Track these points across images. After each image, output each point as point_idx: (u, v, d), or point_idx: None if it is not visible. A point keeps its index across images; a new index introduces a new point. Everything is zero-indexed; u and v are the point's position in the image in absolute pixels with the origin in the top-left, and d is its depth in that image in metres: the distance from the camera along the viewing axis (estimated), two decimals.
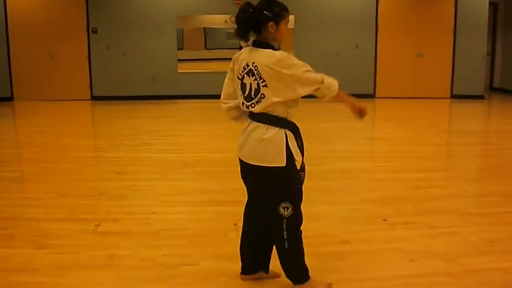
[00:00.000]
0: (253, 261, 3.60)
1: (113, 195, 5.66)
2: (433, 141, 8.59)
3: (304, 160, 3.38)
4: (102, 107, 13.24)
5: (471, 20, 13.87)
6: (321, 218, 4.86)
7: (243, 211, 3.58)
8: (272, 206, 3.27)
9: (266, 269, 3.62)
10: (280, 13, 3.21)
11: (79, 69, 14.00)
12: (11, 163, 7.53)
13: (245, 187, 3.56)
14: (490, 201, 5.44)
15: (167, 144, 8.19)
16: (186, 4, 13.57)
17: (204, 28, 14.15)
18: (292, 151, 3.26)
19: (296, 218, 3.32)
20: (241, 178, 3.53)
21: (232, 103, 3.43)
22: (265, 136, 3.18)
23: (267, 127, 3.19)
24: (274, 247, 3.47)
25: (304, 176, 3.47)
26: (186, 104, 13.06)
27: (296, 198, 3.33)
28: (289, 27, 3.37)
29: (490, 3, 13.99)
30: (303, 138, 3.34)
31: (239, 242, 3.60)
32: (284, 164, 3.20)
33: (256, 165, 3.24)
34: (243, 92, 3.23)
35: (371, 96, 14.06)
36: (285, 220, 3.26)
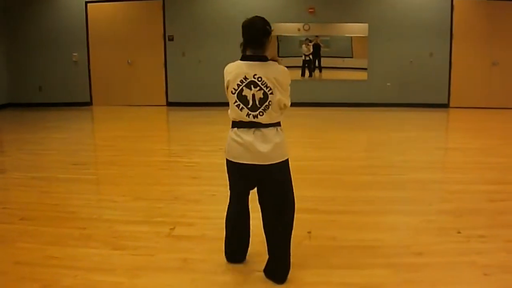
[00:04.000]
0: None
1: (188, 200, 5.75)
2: (508, 152, 8.33)
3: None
4: (177, 113, 13.47)
5: None
6: (394, 229, 4.82)
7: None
8: (284, 195, 3.67)
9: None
10: (271, 30, 3.63)
11: (156, 75, 14.28)
12: (88, 166, 7.74)
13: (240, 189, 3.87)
14: None
15: None
16: (260, 12, 13.51)
17: (277, 36, 14.18)
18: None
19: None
20: (244, 184, 3.81)
21: None
22: (279, 139, 3.58)
23: (277, 129, 3.59)
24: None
25: None
26: None
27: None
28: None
29: None
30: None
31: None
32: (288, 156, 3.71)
33: (272, 163, 3.56)
34: (245, 103, 3.50)
35: (445, 106, 13.76)
36: (291, 207, 3.69)
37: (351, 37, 14.15)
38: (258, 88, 3.47)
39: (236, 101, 3.53)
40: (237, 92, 3.52)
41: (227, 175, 3.85)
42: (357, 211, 5.35)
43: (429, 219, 5.05)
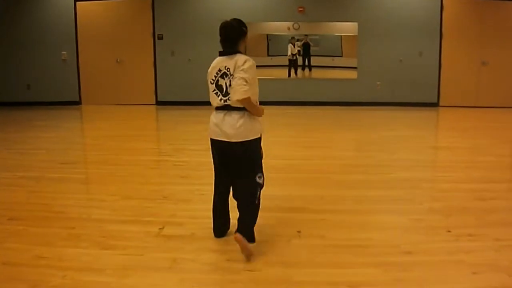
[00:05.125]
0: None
1: (177, 199, 5.75)
2: (497, 151, 8.36)
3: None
4: (166, 112, 13.45)
5: None
6: (384, 228, 4.82)
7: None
8: (249, 172, 4.26)
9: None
10: (247, 31, 4.32)
11: (145, 74, 14.27)
12: (77, 165, 7.71)
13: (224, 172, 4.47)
14: None
15: None
16: (250, 11, 13.65)
17: (267, 35, 14.20)
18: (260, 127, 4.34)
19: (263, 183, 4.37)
20: (218, 158, 4.45)
21: None
22: (241, 121, 4.17)
23: (244, 113, 4.17)
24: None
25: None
26: None
27: (262, 167, 4.38)
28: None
29: None
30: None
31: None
32: (259, 135, 4.32)
33: (235, 141, 4.19)
34: (221, 91, 4.22)
35: (435, 105, 13.83)
36: (256, 187, 4.28)
37: (341, 36, 14.20)
38: (227, 77, 4.17)
39: (214, 89, 4.26)
40: (214, 82, 4.24)
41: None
42: (347, 210, 5.36)
43: (419, 218, 5.06)
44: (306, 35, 14.07)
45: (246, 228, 4.20)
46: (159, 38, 14.09)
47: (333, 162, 7.56)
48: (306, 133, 10.23)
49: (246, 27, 4.31)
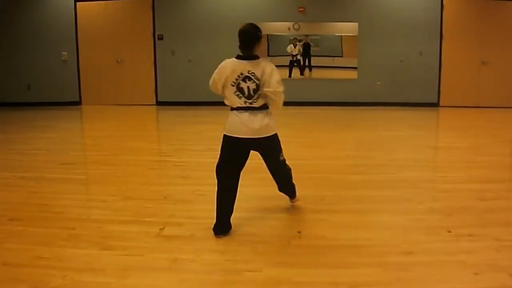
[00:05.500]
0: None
1: (177, 199, 5.75)
2: (497, 151, 8.36)
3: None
4: (166, 112, 13.45)
5: None
6: (384, 228, 4.82)
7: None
8: (277, 157, 4.87)
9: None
10: (261, 36, 4.63)
11: (145, 74, 14.26)
12: (77, 166, 7.70)
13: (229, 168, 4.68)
14: None
15: None
16: (250, 11, 13.63)
17: (267, 35, 14.17)
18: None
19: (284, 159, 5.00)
20: (235, 155, 4.64)
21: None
22: (267, 119, 4.61)
23: (267, 112, 4.62)
24: None
25: None
26: None
27: (281, 149, 4.93)
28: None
29: None
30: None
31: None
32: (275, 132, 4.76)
33: (261, 137, 4.57)
34: (243, 93, 4.51)
35: (435, 105, 13.81)
36: (284, 163, 4.97)
37: (341, 36, 14.19)
38: (252, 81, 4.46)
39: (236, 91, 4.50)
40: (236, 84, 4.47)
41: (219, 153, 4.67)
42: (347, 210, 5.36)
43: (419, 218, 5.05)
44: (306, 35, 14.06)
45: (291, 192, 5.28)
46: (159, 38, 14.08)
47: (333, 162, 7.56)
48: (306, 133, 10.23)
49: (260, 32, 4.61)
